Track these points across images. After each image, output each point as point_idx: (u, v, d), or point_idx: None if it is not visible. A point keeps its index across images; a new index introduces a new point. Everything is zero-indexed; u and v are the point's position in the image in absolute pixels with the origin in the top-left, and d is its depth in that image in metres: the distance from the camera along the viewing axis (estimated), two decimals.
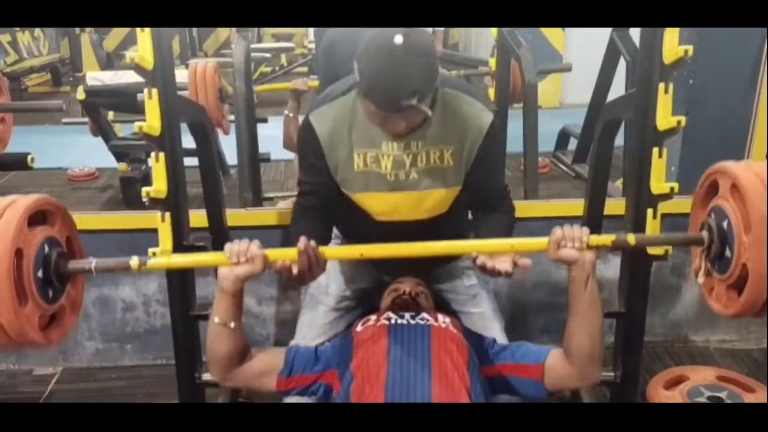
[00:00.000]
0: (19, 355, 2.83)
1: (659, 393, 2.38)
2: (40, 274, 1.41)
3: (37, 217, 1.45)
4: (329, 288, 1.98)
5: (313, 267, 1.55)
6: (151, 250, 1.73)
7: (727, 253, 1.43)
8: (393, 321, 1.64)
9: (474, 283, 2.00)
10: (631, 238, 1.57)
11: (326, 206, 1.80)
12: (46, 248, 1.45)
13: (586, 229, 1.51)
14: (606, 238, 1.55)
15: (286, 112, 3.18)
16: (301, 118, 1.95)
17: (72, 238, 1.58)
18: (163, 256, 1.75)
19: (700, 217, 1.55)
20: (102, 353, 2.85)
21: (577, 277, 1.51)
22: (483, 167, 1.75)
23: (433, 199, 1.75)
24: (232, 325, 1.56)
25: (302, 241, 1.52)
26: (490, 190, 1.83)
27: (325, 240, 1.77)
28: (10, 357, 2.83)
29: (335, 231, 2.06)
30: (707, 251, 1.49)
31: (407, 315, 1.67)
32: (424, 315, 1.67)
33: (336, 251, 1.73)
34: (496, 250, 1.58)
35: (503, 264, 1.56)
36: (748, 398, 2.35)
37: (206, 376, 2.07)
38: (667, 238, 1.73)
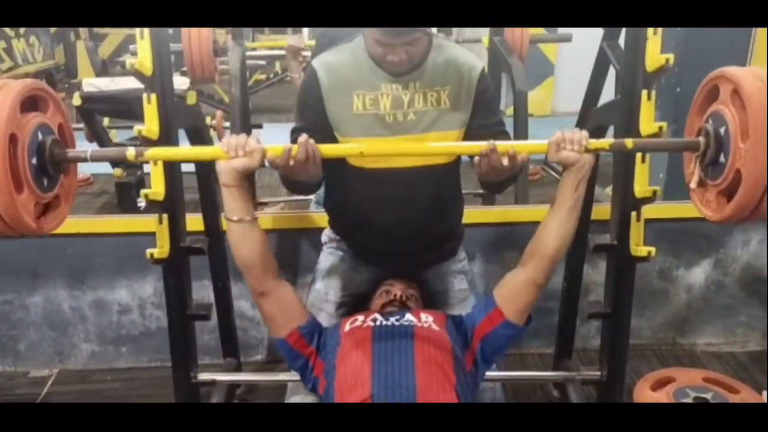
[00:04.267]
0: (16, 357, 2.86)
1: (646, 394, 2.42)
2: (34, 161, 1.35)
3: (28, 103, 1.37)
4: (328, 295, 2.01)
5: (310, 161, 1.53)
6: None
7: (722, 159, 1.41)
8: (378, 323, 1.69)
9: (464, 287, 2.04)
10: (629, 142, 1.56)
11: None
12: (40, 135, 1.37)
13: (585, 133, 1.52)
14: (604, 142, 1.55)
15: (288, 74, 3.06)
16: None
17: (64, 125, 1.48)
18: (161, 149, 1.67)
19: (696, 124, 1.52)
20: (98, 355, 2.88)
21: (572, 178, 1.53)
22: (480, 112, 1.81)
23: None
24: (249, 218, 1.55)
25: (303, 136, 1.53)
26: (489, 135, 1.82)
27: (314, 184, 1.82)
28: (7, 359, 2.86)
29: (329, 233, 2.10)
30: (702, 157, 1.47)
31: (392, 318, 1.70)
32: (408, 316, 1.71)
33: (334, 148, 1.64)
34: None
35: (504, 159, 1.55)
36: (734, 399, 2.39)
37: (202, 376, 2.11)
38: (664, 144, 1.72)
